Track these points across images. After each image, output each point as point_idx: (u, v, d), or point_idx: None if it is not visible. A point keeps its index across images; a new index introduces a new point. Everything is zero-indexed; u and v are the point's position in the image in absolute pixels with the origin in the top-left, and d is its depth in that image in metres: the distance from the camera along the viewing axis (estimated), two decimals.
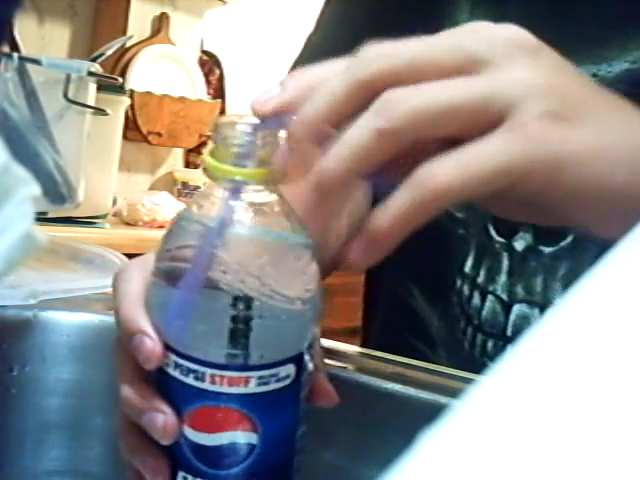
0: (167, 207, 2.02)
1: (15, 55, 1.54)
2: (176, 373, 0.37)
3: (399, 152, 0.35)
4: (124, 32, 2.16)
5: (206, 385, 0.37)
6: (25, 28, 1.99)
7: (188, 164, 2.48)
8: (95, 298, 0.64)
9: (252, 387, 0.37)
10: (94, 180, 1.80)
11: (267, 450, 0.38)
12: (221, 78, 2.53)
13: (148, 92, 2.21)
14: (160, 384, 0.38)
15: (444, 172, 0.33)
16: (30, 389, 0.59)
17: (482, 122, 0.34)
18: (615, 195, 0.35)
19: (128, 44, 2.15)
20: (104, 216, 1.91)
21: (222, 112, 2.44)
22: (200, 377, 0.37)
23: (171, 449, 0.38)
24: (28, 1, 1.98)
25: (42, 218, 1.57)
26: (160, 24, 2.29)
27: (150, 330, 0.38)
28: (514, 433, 0.15)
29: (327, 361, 0.55)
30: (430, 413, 0.52)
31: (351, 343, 0.60)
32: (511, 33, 0.36)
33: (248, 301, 0.36)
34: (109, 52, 1.85)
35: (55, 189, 1.46)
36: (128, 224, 2.00)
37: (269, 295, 0.36)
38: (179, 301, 0.36)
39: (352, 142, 0.34)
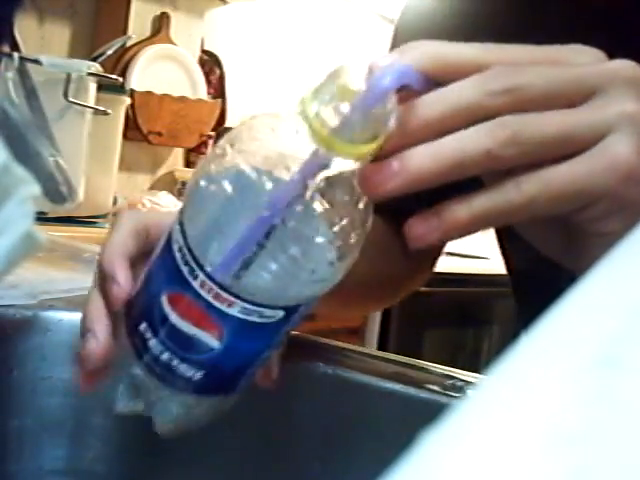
0: (167, 207, 2.02)
1: (15, 55, 1.54)
2: (177, 256, 0.38)
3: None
4: (124, 32, 2.16)
5: (195, 284, 0.38)
6: (25, 28, 1.99)
7: (188, 164, 2.48)
8: None
9: (232, 311, 0.38)
10: (94, 180, 1.80)
11: (223, 358, 0.40)
12: (221, 78, 2.53)
13: (148, 92, 2.21)
14: (162, 253, 0.40)
15: (529, 187, 0.36)
16: (30, 389, 0.59)
17: (575, 148, 0.36)
18: None
19: (128, 44, 2.15)
20: (104, 216, 1.91)
21: (222, 112, 2.45)
22: (193, 274, 0.38)
23: (146, 303, 0.41)
24: (28, 1, 1.98)
25: (42, 218, 1.57)
26: (160, 24, 2.29)
27: (121, 278, 0.42)
28: (515, 433, 0.15)
29: (327, 361, 0.55)
30: (430, 413, 0.52)
31: (351, 343, 0.61)
32: (628, 69, 0.37)
33: (273, 234, 0.35)
34: (109, 52, 1.85)
35: (55, 189, 1.46)
36: None
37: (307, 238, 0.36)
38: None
39: (455, 149, 0.35)
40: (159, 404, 0.44)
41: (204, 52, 2.47)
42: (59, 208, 1.52)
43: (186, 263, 0.38)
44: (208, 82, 2.44)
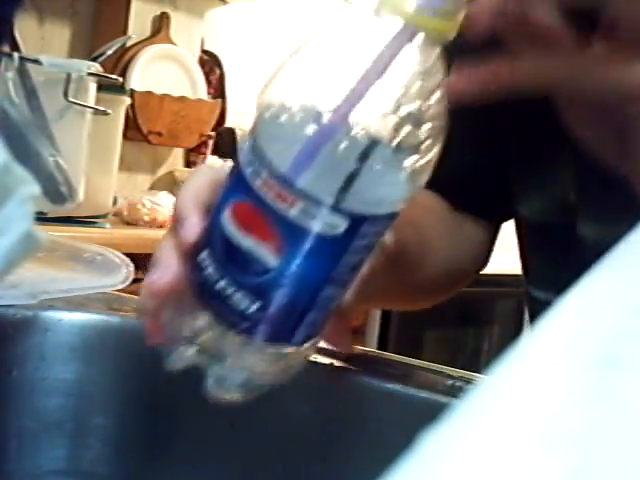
0: (167, 207, 2.02)
1: (15, 55, 1.54)
2: (241, 164, 0.39)
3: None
4: (124, 32, 2.15)
5: (257, 184, 0.38)
6: (25, 28, 1.99)
7: (189, 164, 2.48)
8: (95, 298, 0.64)
9: (292, 212, 0.37)
10: (94, 180, 1.80)
11: (281, 282, 0.39)
12: (221, 78, 2.52)
13: (148, 92, 2.21)
14: (229, 177, 0.40)
15: (579, 62, 0.38)
16: (30, 389, 0.59)
17: None
18: None
19: (128, 44, 2.14)
20: (104, 216, 1.91)
21: (222, 112, 2.45)
22: (256, 174, 0.38)
23: (209, 228, 0.41)
24: (28, 1, 1.98)
25: (42, 218, 1.56)
26: (160, 24, 2.29)
27: (192, 220, 0.42)
28: (515, 433, 0.15)
29: (327, 361, 0.55)
30: (430, 413, 0.52)
31: (351, 343, 0.60)
32: None
33: (372, 146, 0.36)
34: (109, 52, 1.85)
35: (55, 189, 1.45)
36: (128, 224, 1.99)
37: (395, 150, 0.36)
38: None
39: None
40: (214, 358, 0.42)
41: (204, 52, 2.47)
42: (59, 208, 1.52)
43: (250, 165, 0.38)
44: (208, 82, 2.44)
